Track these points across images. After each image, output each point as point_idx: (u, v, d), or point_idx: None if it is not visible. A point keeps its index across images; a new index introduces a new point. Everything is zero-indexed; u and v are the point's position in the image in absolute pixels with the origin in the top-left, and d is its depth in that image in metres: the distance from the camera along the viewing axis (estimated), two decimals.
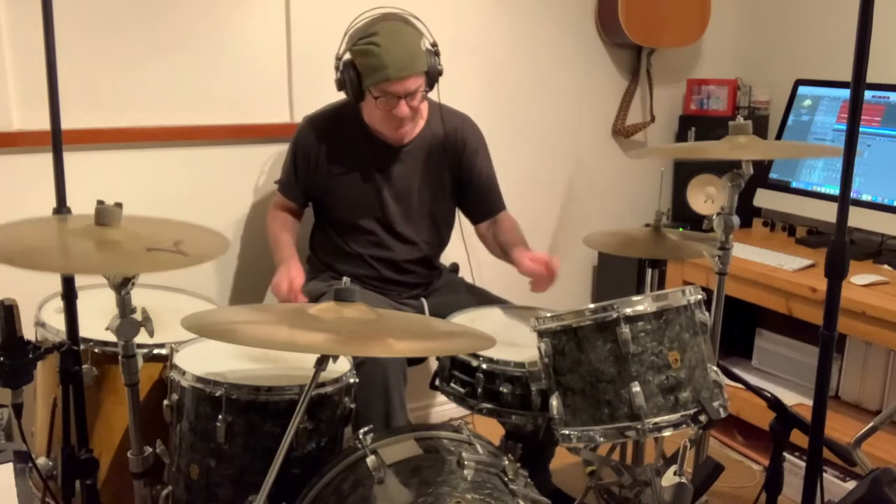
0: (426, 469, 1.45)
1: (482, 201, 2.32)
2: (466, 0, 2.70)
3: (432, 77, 2.10)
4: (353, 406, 1.71)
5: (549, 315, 1.58)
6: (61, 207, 1.55)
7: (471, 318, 2.00)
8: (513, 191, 2.41)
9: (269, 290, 2.13)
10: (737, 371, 1.87)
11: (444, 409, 2.83)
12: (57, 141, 1.53)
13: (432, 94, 2.24)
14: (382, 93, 2.04)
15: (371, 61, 2.00)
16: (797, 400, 2.57)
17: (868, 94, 1.86)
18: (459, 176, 2.28)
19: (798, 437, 1.66)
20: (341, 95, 2.16)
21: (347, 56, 2.07)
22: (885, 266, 2.55)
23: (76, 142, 2.12)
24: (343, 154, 2.22)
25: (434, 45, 2.10)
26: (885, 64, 2.64)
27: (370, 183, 2.22)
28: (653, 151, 2.74)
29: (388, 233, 2.25)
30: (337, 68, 2.08)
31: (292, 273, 2.08)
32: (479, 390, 1.75)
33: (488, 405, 1.76)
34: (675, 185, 3.20)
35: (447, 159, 2.25)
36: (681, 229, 2.48)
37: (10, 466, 1.24)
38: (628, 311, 1.52)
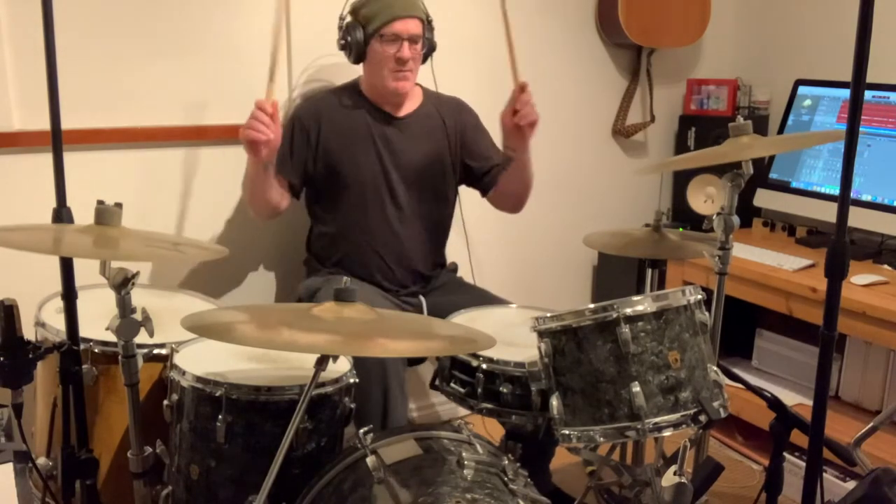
0: (426, 469, 1.45)
1: (491, 170, 2.34)
2: (466, 0, 2.70)
3: (429, 44, 2.22)
4: (353, 406, 1.71)
5: (549, 315, 1.58)
6: (61, 207, 1.55)
7: (471, 318, 2.00)
8: None
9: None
10: (737, 371, 1.87)
11: (444, 409, 2.83)
12: (57, 141, 1.53)
13: (430, 86, 2.26)
14: (388, 34, 2.13)
15: (375, 7, 2.12)
16: (797, 400, 2.57)
17: (868, 94, 1.86)
18: (462, 156, 2.32)
19: (798, 437, 1.66)
20: None
21: (349, 18, 2.17)
22: (885, 266, 2.55)
23: (76, 142, 2.12)
24: (344, 124, 2.25)
25: (429, 19, 2.21)
26: (885, 64, 2.64)
27: (373, 150, 2.24)
28: (656, 168, 2.73)
29: (391, 201, 2.25)
30: (340, 28, 2.18)
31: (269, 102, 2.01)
32: (479, 390, 1.75)
33: (488, 405, 1.76)
34: (675, 185, 3.20)
35: (447, 139, 2.30)
36: (681, 229, 2.48)
37: (10, 466, 1.23)
38: (628, 311, 1.52)
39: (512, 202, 2.34)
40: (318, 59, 2.41)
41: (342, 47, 2.21)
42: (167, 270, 2.06)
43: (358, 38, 2.15)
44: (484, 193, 2.37)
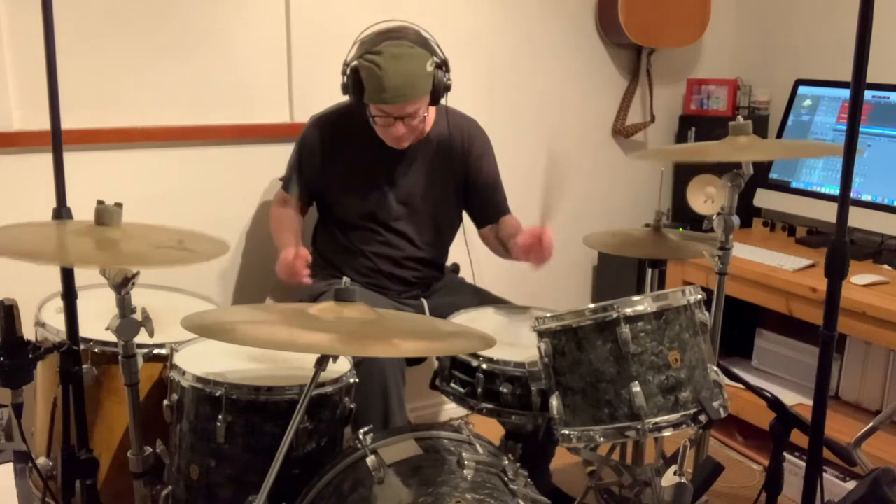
0: (426, 469, 1.45)
1: (486, 206, 2.32)
2: (467, 0, 2.70)
3: (437, 94, 2.07)
4: (353, 406, 1.71)
5: (549, 315, 1.58)
6: (61, 207, 1.55)
7: (471, 318, 2.00)
8: (513, 191, 2.41)
9: (270, 292, 2.12)
10: (737, 371, 1.87)
11: (444, 409, 2.83)
12: (57, 141, 1.53)
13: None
14: (379, 112, 2.04)
15: (371, 81, 1.98)
16: (797, 400, 2.57)
17: (868, 94, 1.86)
18: (465, 180, 2.29)
19: (798, 437, 1.66)
20: (341, 94, 2.17)
21: (354, 63, 2.03)
22: (885, 266, 2.55)
23: (76, 142, 2.12)
24: (349, 154, 2.22)
25: (444, 61, 2.07)
26: (885, 64, 2.64)
27: (375, 184, 2.22)
28: (652, 154, 2.73)
29: (390, 233, 2.25)
30: (344, 73, 2.06)
31: (299, 250, 2.04)
32: (479, 390, 1.75)
33: (488, 405, 1.76)
34: (675, 185, 3.20)
35: (453, 163, 2.26)
36: (681, 229, 2.47)
37: (10, 466, 1.23)
38: (628, 311, 1.52)
39: (500, 254, 2.32)
40: (320, 74, 2.40)
41: (345, 91, 2.08)
42: (167, 270, 2.06)
43: (358, 95, 2.03)
44: (477, 226, 2.37)
